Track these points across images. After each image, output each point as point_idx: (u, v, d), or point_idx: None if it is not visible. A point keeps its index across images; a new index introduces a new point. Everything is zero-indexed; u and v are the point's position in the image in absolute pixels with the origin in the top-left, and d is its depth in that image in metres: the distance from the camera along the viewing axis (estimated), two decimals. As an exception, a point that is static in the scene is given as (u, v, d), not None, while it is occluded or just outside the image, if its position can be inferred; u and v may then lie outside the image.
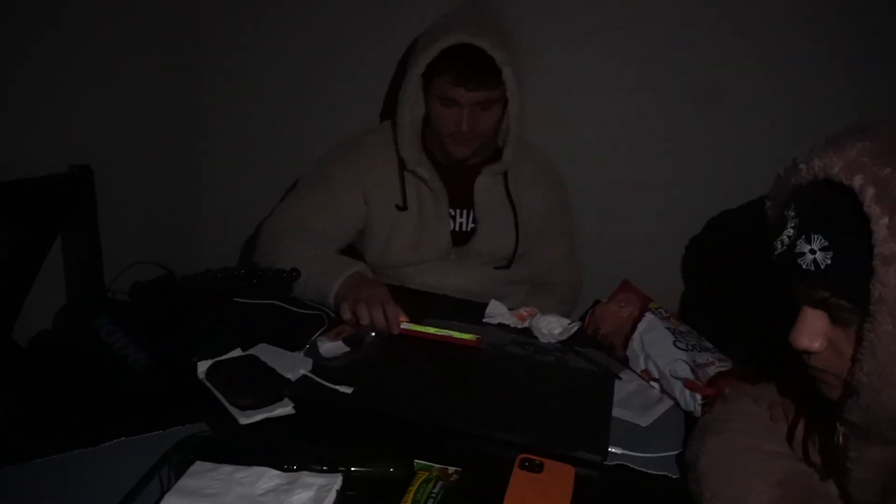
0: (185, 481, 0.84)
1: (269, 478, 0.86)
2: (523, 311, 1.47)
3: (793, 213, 0.78)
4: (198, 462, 0.88)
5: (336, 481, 0.86)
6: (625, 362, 1.30)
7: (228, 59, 1.99)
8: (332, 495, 0.84)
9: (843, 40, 1.68)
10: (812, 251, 0.74)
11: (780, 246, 0.79)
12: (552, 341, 1.38)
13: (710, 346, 1.26)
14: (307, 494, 0.84)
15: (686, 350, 1.22)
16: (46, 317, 1.31)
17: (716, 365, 1.19)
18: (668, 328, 1.27)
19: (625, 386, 1.24)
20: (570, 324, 1.41)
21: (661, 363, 1.22)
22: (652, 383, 1.25)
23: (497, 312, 1.47)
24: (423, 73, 1.51)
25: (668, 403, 1.20)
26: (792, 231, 0.77)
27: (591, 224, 1.86)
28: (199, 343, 1.16)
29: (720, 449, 0.91)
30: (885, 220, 0.69)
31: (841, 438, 0.80)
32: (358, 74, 1.94)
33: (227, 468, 0.87)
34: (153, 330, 1.14)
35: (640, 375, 1.27)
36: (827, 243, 0.74)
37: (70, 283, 1.49)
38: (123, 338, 1.09)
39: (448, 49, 1.46)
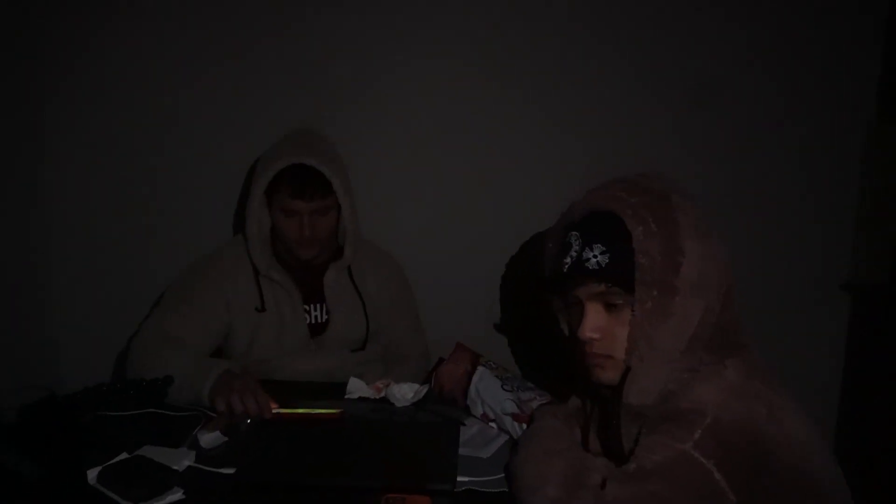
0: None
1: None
2: (379, 384, 1.68)
3: (575, 236, 1.10)
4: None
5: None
6: (467, 410, 1.54)
7: (80, 181, 2.17)
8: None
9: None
10: (595, 256, 1.07)
11: (569, 260, 1.10)
12: (406, 405, 1.61)
13: (532, 385, 1.53)
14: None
15: (512, 391, 1.48)
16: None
17: (537, 399, 1.46)
18: (496, 376, 1.52)
19: (469, 430, 1.48)
20: (420, 387, 1.64)
21: (493, 405, 1.48)
22: (490, 423, 1.49)
23: (356, 388, 1.67)
24: (265, 191, 1.75)
25: (505, 437, 1.45)
26: (578, 247, 1.09)
27: (428, 297, 2.13)
28: (86, 453, 1.28)
29: (524, 455, 1.18)
30: (640, 229, 1.03)
31: (617, 421, 1.08)
32: (209, 194, 2.17)
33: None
34: (43, 445, 1.25)
35: (480, 419, 1.51)
36: (605, 248, 1.06)
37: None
38: (15, 454, 1.20)
39: (284, 169, 1.71)
